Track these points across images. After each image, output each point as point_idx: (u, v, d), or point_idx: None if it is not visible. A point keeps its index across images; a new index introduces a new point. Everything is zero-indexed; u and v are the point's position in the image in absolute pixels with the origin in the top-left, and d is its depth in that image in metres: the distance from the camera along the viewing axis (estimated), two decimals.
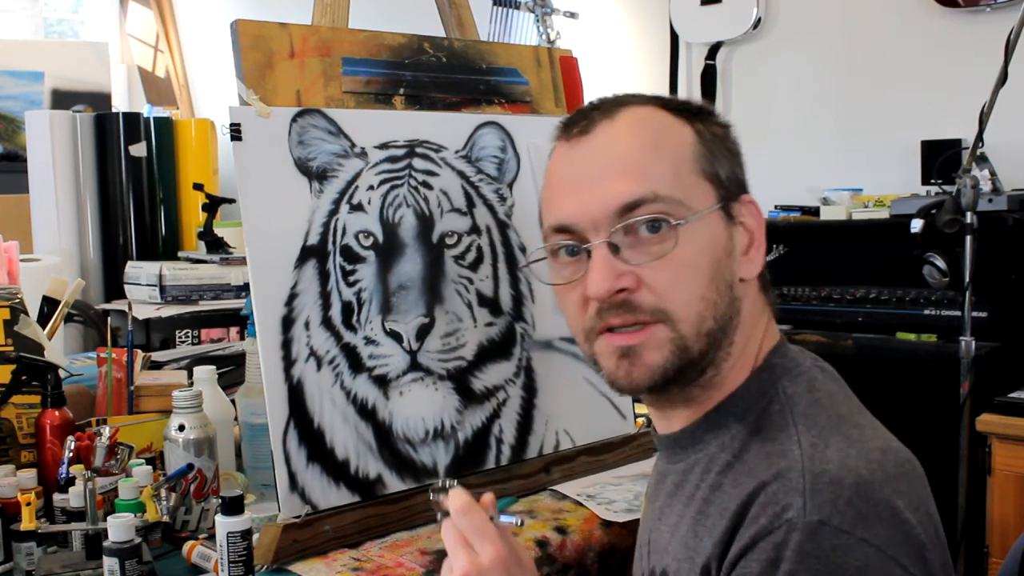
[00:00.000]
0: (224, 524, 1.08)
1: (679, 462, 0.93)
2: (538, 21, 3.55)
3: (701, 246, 0.86)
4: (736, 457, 0.86)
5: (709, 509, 0.85)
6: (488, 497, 0.96)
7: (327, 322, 1.27)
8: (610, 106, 0.92)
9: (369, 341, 1.29)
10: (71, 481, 1.25)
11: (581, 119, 0.92)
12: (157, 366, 1.79)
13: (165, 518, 1.26)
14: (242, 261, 2.20)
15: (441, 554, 1.06)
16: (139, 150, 2.66)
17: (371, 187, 1.33)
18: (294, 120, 1.28)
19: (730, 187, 0.90)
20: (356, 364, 1.28)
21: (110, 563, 1.06)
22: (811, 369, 0.91)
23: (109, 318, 1.93)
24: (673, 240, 0.85)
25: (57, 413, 1.37)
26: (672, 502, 0.93)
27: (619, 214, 0.86)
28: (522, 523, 0.91)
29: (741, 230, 0.90)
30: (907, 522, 0.78)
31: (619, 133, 0.89)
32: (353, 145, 1.33)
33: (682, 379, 0.88)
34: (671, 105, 0.92)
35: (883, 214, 2.69)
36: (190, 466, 1.28)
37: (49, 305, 1.68)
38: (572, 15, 3.68)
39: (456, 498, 0.91)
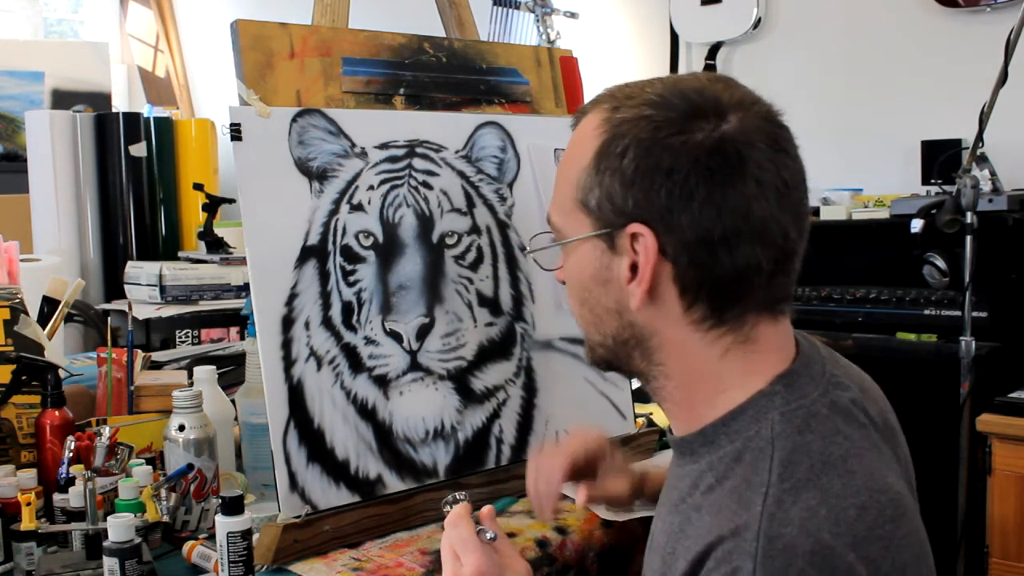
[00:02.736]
0: (224, 524, 1.08)
1: (677, 467, 0.93)
2: (538, 21, 3.55)
3: (571, 269, 0.92)
4: (718, 481, 0.84)
5: (688, 529, 0.84)
6: (485, 510, 1.00)
7: (327, 322, 1.27)
8: (584, 109, 0.92)
9: (369, 341, 1.29)
10: (71, 481, 1.25)
11: (575, 118, 0.93)
12: (157, 366, 1.79)
13: (165, 518, 1.26)
14: (242, 261, 2.20)
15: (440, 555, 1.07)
16: (139, 150, 2.66)
17: (371, 187, 1.33)
18: (294, 120, 1.28)
19: (612, 217, 0.85)
20: (356, 364, 1.28)
21: (110, 563, 1.06)
22: (815, 403, 0.84)
23: (109, 318, 1.93)
24: (563, 258, 0.93)
25: (57, 413, 1.37)
26: (665, 502, 0.94)
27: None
28: (494, 537, 0.97)
29: (625, 260, 0.85)
30: None
31: (568, 145, 0.92)
32: (353, 145, 1.33)
33: (618, 371, 0.95)
34: (623, 107, 0.87)
35: (883, 214, 2.69)
36: (190, 466, 1.28)
37: (49, 305, 1.68)
38: (572, 15, 3.68)
39: (454, 510, 0.99)
